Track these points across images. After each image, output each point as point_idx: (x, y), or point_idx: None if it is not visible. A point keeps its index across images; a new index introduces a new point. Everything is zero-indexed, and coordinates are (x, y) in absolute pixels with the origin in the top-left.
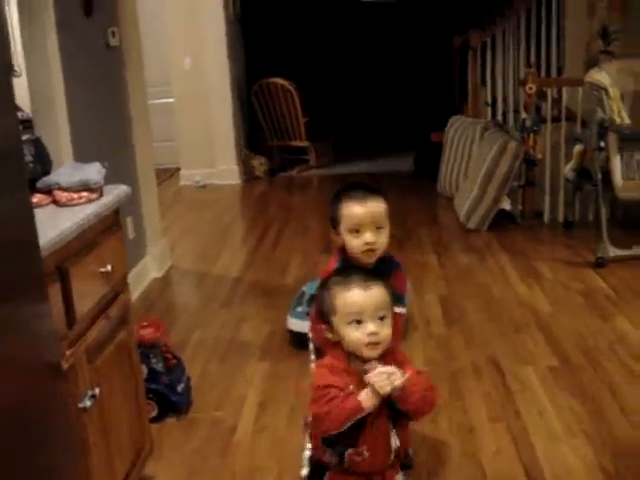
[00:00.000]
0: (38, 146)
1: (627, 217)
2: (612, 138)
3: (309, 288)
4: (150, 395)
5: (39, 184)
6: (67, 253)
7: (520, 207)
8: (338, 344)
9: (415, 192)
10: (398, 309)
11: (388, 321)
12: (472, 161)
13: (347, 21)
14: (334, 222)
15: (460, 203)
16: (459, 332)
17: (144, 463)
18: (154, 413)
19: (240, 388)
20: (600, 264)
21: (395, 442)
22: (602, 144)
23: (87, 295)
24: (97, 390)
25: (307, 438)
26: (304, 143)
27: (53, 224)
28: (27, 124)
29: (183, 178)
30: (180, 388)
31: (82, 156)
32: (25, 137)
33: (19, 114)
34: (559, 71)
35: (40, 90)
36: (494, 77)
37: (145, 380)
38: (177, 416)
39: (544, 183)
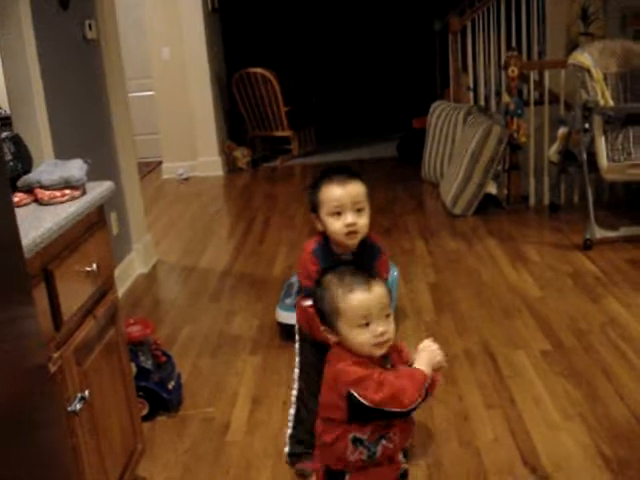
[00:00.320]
0: (17, 144)
1: (613, 198)
2: (596, 120)
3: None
4: (140, 393)
5: (19, 183)
6: (51, 253)
7: (506, 191)
8: (339, 344)
9: (400, 178)
10: None
11: (392, 317)
12: (456, 146)
13: (326, 8)
14: (314, 207)
15: (445, 189)
16: (450, 319)
17: (137, 464)
18: (145, 411)
19: (232, 383)
20: (588, 246)
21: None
22: (587, 126)
23: (74, 295)
24: (87, 392)
25: (289, 417)
26: (286, 132)
27: (36, 224)
28: (5, 121)
29: (166, 171)
30: (171, 385)
31: (63, 152)
32: (4, 135)
33: None
34: (539, 54)
35: (17, 86)
36: (475, 61)
37: (134, 378)
38: (168, 414)
39: (529, 167)
